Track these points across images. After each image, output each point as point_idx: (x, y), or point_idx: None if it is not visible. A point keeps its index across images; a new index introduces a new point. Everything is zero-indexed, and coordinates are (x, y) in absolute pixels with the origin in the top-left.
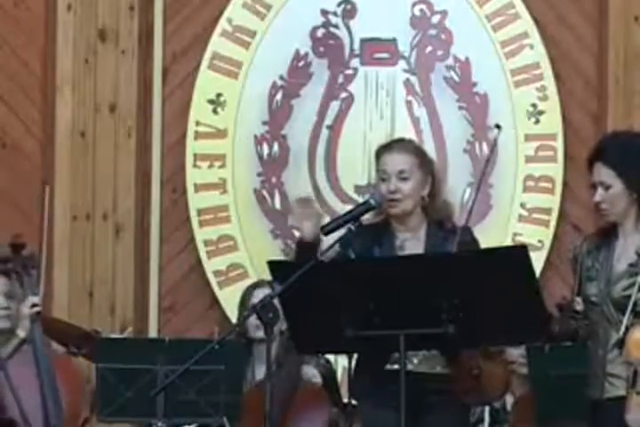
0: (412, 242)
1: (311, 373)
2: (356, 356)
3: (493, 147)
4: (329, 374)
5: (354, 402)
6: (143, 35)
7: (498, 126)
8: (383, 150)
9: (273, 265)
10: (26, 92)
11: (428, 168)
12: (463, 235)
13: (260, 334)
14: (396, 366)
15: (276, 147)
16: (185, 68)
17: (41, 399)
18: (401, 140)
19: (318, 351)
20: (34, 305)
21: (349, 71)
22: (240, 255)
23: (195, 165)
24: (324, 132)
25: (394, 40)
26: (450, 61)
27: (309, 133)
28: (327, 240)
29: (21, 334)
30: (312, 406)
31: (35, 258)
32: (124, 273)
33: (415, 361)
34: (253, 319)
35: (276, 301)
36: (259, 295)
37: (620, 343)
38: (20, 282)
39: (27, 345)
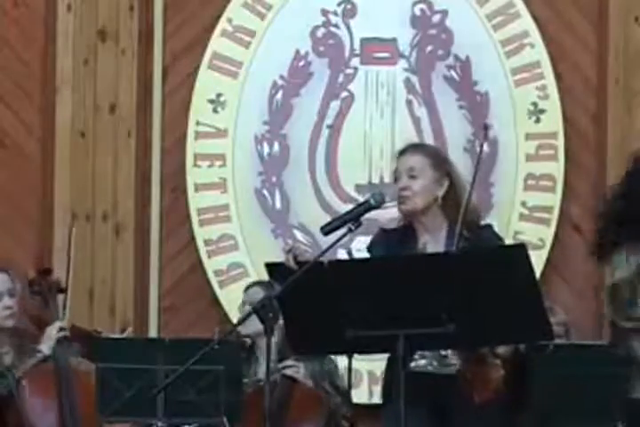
0: (432, 245)
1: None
2: (387, 357)
3: (482, 145)
4: (320, 373)
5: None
6: (143, 35)
7: (486, 127)
8: (399, 154)
9: (270, 267)
10: (26, 92)
11: (443, 169)
12: (483, 233)
13: (253, 328)
14: (429, 368)
15: (276, 146)
16: (185, 68)
17: (60, 420)
18: (417, 144)
19: (318, 352)
20: (61, 329)
21: (350, 71)
22: (240, 255)
23: (195, 165)
24: (325, 132)
25: (394, 39)
26: (450, 61)
27: (310, 133)
28: (327, 240)
29: (45, 351)
30: (308, 408)
31: (61, 283)
32: (124, 273)
33: (434, 363)
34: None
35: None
36: (250, 295)
37: None
38: (46, 303)
39: (49, 364)
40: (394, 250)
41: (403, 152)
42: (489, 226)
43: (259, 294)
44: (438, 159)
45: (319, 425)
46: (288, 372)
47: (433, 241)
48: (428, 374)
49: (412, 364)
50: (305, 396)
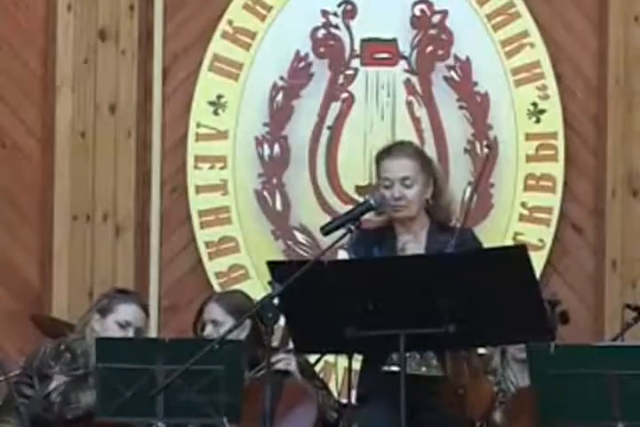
0: (413, 244)
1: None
2: (360, 358)
3: (484, 165)
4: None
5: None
6: (143, 35)
7: (488, 146)
8: (383, 156)
9: (272, 266)
10: (26, 92)
11: (429, 170)
12: (464, 236)
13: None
14: (393, 368)
15: (276, 148)
16: (185, 69)
17: None
18: (400, 144)
19: (318, 352)
20: None
21: (350, 72)
22: (241, 256)
23: (196, 167)
24: (325, 133)
25: (394, 40)
26: (450, 61)
27: (310, 134)
28: (327, 241)
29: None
30: (299, 403)
31: None
32: (124, 273)
33: (413, 364)
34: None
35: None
36: (209, 310)
37: None
38: None
39: None
40: (372, 250)
41: (388, 154)
42: (469, 229)
43: (215, 309)
44: (425, 161)
45: (311, 421)
46: (280, 366)
47: (414, 241)
48: (406, 376)
49: (389, 365)
50: (296, 390)
